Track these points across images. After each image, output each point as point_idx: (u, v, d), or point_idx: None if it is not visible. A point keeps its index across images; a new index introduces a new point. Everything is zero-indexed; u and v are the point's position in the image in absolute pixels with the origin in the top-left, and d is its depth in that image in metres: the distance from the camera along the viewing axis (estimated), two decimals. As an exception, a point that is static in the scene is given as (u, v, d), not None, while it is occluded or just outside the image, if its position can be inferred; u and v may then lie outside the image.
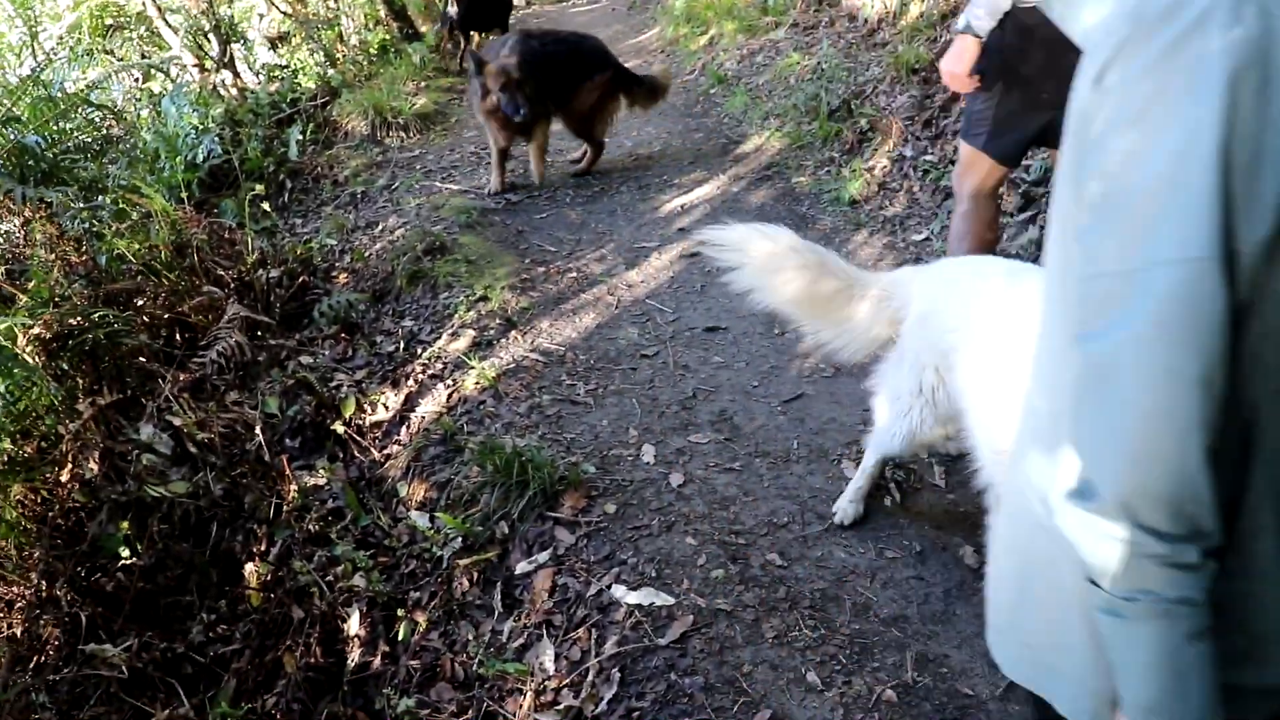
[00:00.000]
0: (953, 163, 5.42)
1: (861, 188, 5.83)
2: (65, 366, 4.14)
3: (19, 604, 3.56)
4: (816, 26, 8.63)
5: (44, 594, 3.53)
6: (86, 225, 5.10)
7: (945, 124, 5.90)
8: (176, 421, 3.89)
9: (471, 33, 10.70)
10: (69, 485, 3.79)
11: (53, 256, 4.64)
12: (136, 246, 4.95)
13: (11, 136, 5.14)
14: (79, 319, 4.16)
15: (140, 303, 4.76)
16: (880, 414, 3.03)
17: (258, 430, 4.01)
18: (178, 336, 4.77)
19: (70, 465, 3.83)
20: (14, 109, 5.56)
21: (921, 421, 2.81)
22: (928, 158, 5.71)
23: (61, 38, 10.72)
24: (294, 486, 3.82)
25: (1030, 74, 3.24)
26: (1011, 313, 2.30)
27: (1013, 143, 3.52)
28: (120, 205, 5.34)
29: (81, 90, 6.80)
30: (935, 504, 3.28)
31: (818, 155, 6.52)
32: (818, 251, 3.05)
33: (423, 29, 12.25)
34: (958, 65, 3.29)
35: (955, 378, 2.59)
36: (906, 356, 2.84)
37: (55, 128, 5.83)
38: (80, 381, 4.14)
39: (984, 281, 2.59)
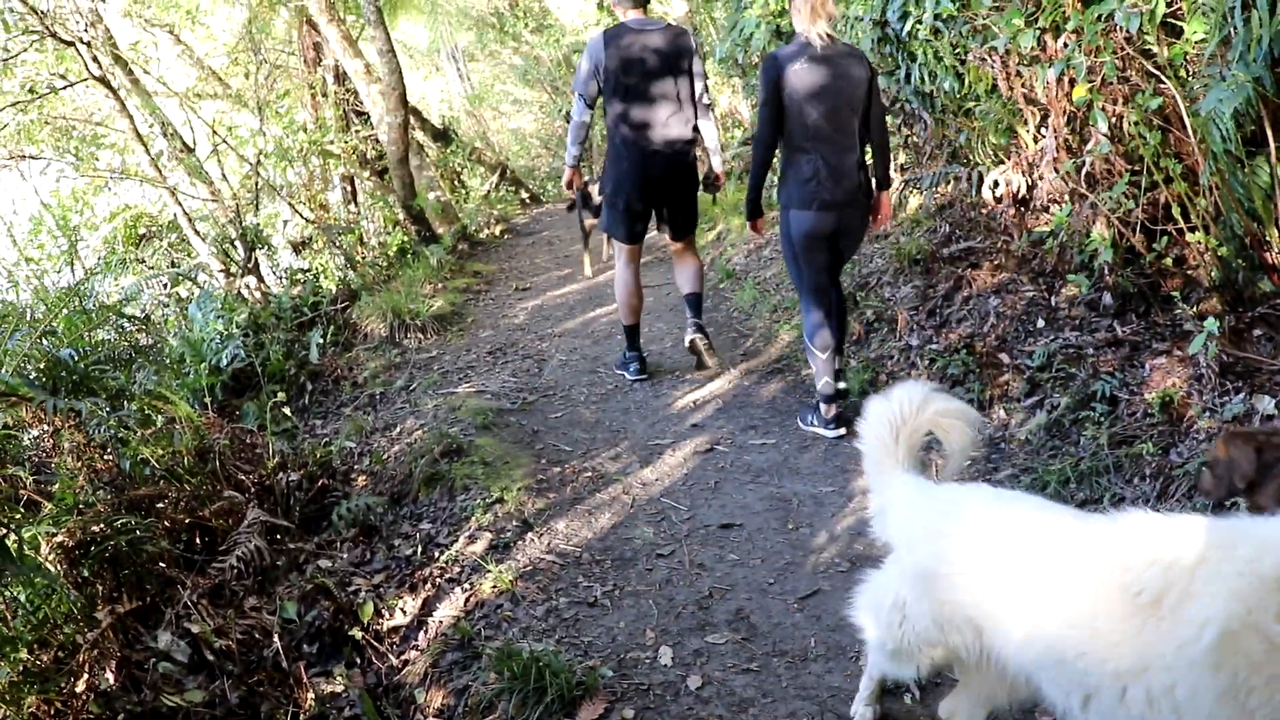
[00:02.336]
0: (957, 351, 5.56)
1: (870, 378, 5.95)
2: (86, 574, 4.17)
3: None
4: (821, 222, 8.93)
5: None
6: (112, 432, 5.22)
7: (949, 313, 6.07)
8: (194, 628, 3.90)
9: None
10: (84, 696, 3.78)
11: (79, 464, 4.74)
12: (160, 452, 5.05)
13: (47, 349, 5.31)
14: (101, 526, 4.22)
15: (162, 507, 4.82)
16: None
17: (275, 636, 4.01)
18: (198, 541, 4.81)
19: (87, 675, 3.83)
20: (52, 322, 5.76)
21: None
22: (933, 346, 5.84)
23: (98, 249, 11.13)
24: (311, 694, 3.80)
25: None
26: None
27: None
28: (145, 411, 5.48)
29: (116, 303, 7.05)
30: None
31: (826, 349, 6.67)
32: None
33: (440, 231, 12.69)
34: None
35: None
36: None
37: (88, 339, 6.02)
38: (100, 589, 4.16)
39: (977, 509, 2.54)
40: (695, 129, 6.24)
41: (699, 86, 6.17)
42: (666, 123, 6.11)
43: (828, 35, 5.08)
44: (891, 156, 6.09)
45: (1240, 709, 1.81)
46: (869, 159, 5.42)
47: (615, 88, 6.03)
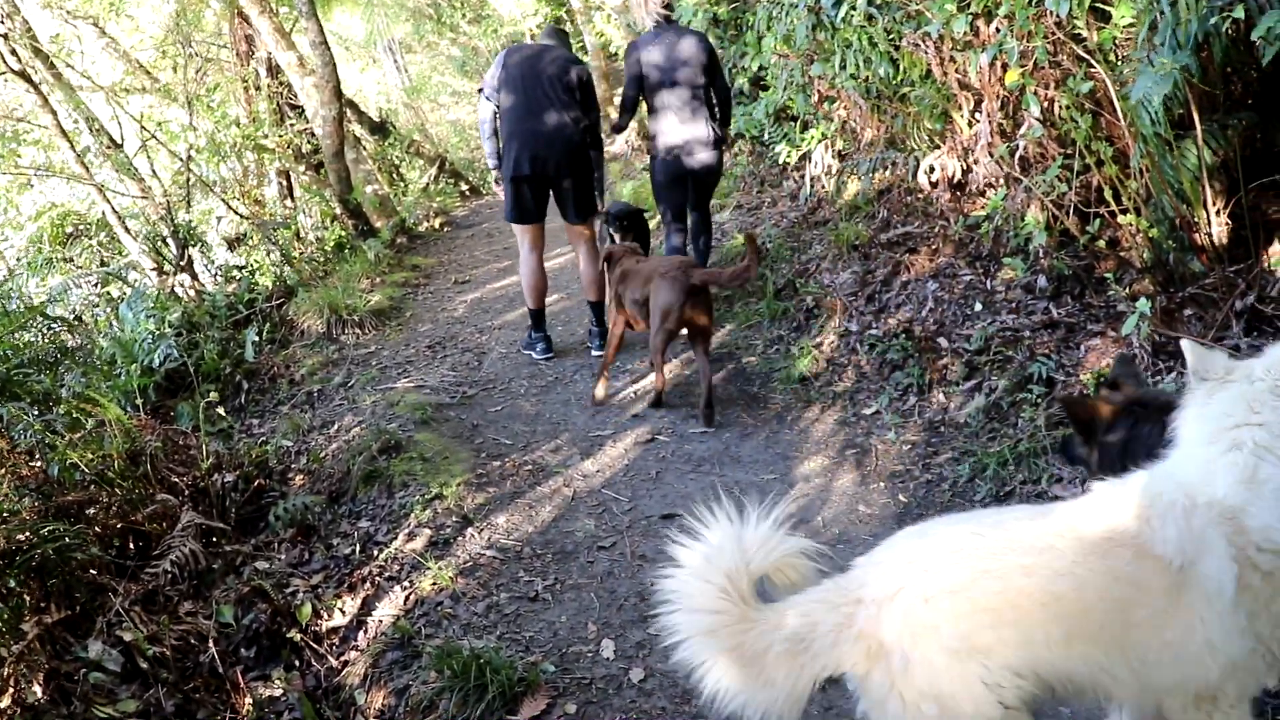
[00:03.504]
0: (896, 336, 5.59)
1: (810, 364, 5.97)
2: (11, 584, 4.06)
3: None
4: (760, 207, 8.96)
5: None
6: (39, 437, 5.09)
7: (888, 298, 6.09)
8: (127, 636, 3.81)
9: None
10: (10, 711, 3.68)
11: (2, 471, 4.61)
12: (89, 456, 4.93)
13: (-34, 353, 5.17)
14: (27, 534, 4.11)
15: (92, 513, 4.71)
16: None
17: (211, 641, 3.93)
18: (131, 546, 4.70)
19: (12, 689, 3.72)
20: (-30, 325, 5.61)
21: None
22: (872, 332, 5.86)
23: (23, 249, 10.88)
24: (249, 699, 3.73)
25: None
26: None
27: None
28: (74, 414, 5.35)
29: (40, 303, 6.87)
30: (898, 689, 3.26)
31: (766, 334, 6.68)
32: None
33: (378, 225, 12.54)
34: None
35: None
36: None
37: (11, 341, 5.86)
38: (27, 599, 4.05)
39: None
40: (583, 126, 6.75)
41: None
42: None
43: (665, 19, 6.91)
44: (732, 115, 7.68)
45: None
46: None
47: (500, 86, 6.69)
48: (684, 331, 5.84)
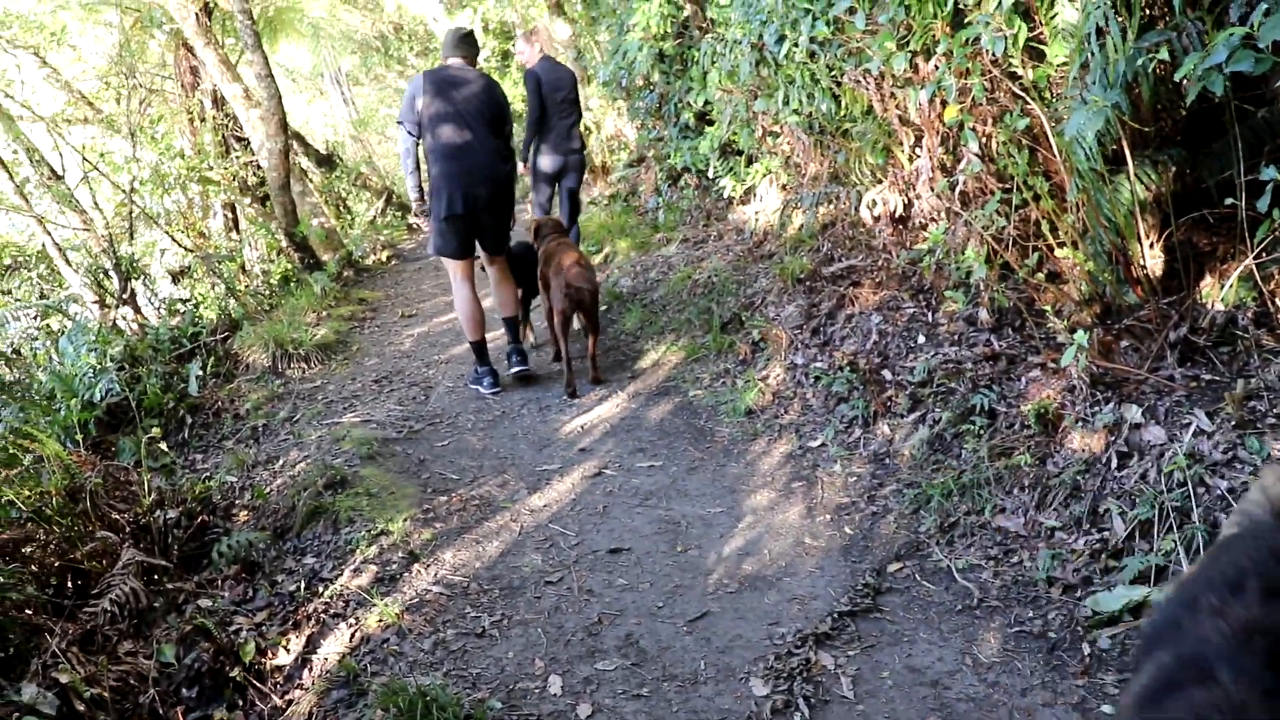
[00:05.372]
0: (841, 369, 5.65)
1: (756, 397, 6.01)
2: (-55, 625, 3.97)
3: None
4: (706, 240, 9.03)
5: None
6: (-27, 474, 4.99)
7: (833, 331, 6.15)
8: (63, 678, 3.73)
9: None
10: (-57, 757, 3.59)
11: (-64, 509, 4.52)
12: (26, 493, 4.84)
13: (-103, 389, 5.07)
14: (-39, 574, 4.03)
15: (29, 551, 4.62)
16: None
17: (151, 682, 3.86)
18: (69, 585, 4.61)
19: (-55, 734, 3.64)
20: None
21: None
22: (818, 365, 5.92)
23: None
24: (189, 741, 3.67)
25: None
26: None
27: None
28: (11, 450, 5.25)
29: (-26, 338, 6.76)
30: (844, 717, 3.28)
31: (713, 367, 6.72)
32: None
33: (324, 258, 12.48)
34: None
35: None
36: None
37: (-55, 376, 5.75)
38: (-41, 642, 3.97)
39: None
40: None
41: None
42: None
43: (550, 57, 9.28)
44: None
45: None
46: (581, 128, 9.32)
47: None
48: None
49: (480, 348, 7.14)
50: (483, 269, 7.37)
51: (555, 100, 8.97)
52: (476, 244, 7.06)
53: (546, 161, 9.14)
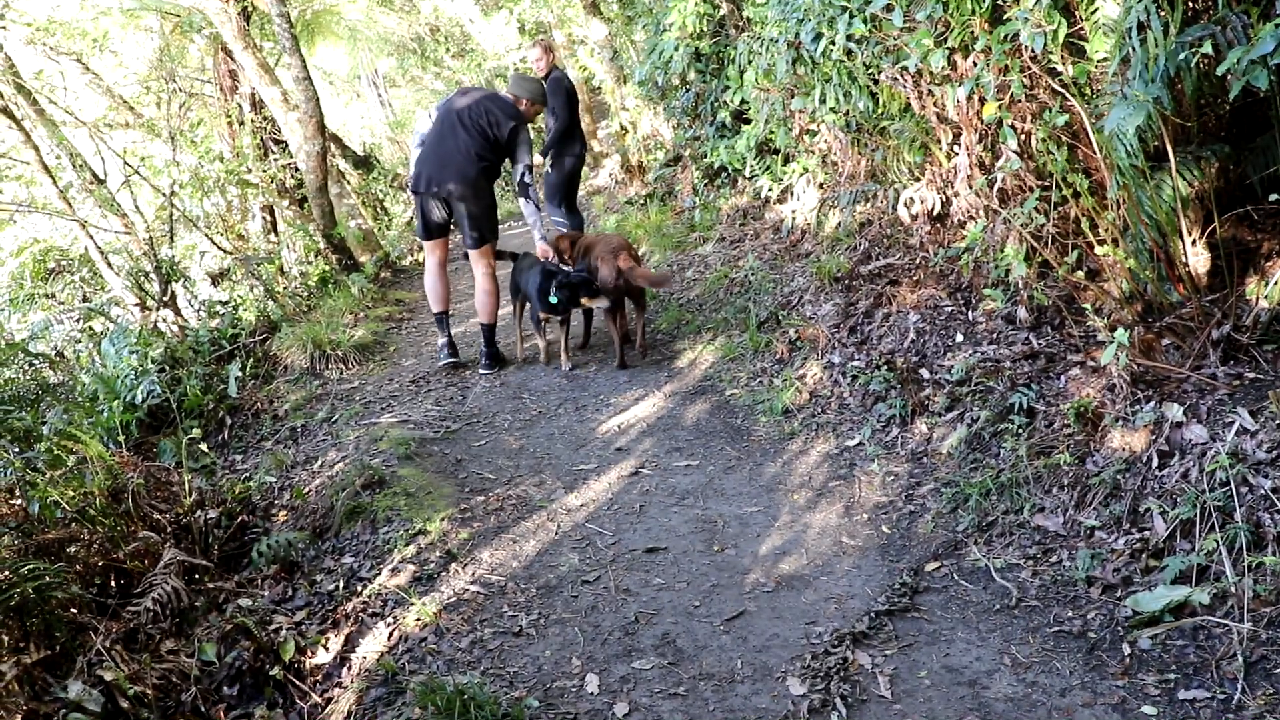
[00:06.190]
0: (879, 368, 5.62)
1: (793, 396, 5.98)
2: (-10, 625, 4.03)
3: None
4: (742, 240, 8.99)
5: None
6: (19, 474, 5.06)
7: (870, 330, 6.12)
8: (108, 676, 3.78)
9: None
10: (-10, 753, 3.64)
11: (-18, 509, 4.59)
12: (70, 494, 4.90)
13: (-54, 391, 5.15)
14: (6, 573, 4.08)
15: (73, 551, 4.68)
16: None
17: (193, 680, 3.90)
18: (112, 584, 4.67)
19: (-8, 730, 3.69)
20: (-49, 363, 5.59)
21: None
22: (855, 363, 5.88)
23: (5, 285, 10.84)
24: (230, 738, 3.70)
25: None
26: None
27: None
28: (55, 451, 5.32)
29: (21, 341, 6.85)
30: (881, 717, 3.26)
31: (750, 366, 6.70)
32: None
33: (361, 259, 12.55)
34: None
35: None
36: None
37: (-8, 379, 5.85)
38: (5, 639, 4.02)
39: None
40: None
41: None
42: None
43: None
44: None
45: None
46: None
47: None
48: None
49: (440, 318, 7.93)
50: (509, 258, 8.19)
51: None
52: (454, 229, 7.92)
53: (571, 164, 9.79)
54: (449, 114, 7.43)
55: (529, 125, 7.69)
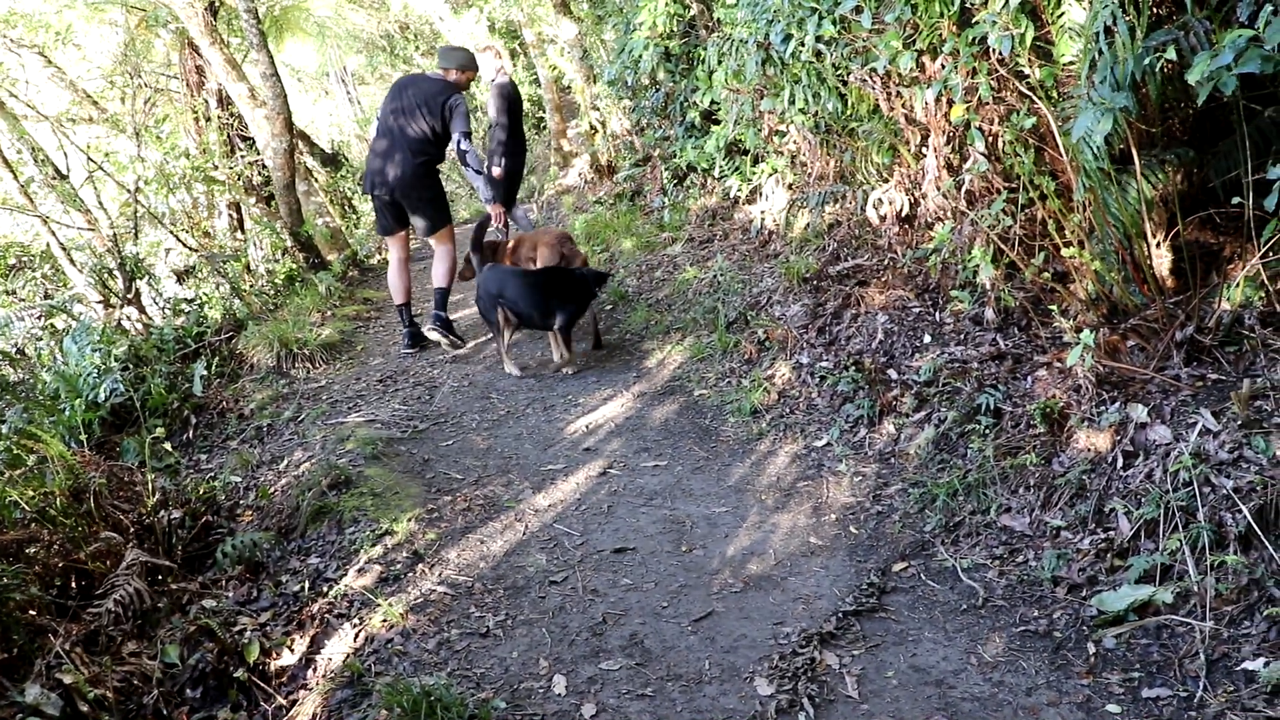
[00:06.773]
0: (847, 369, 5.64)
1: (762, 397, 5.99)
2: (-54, 628, 3.97)
3: None
4: (711, 240, 9.00)
5: None
6: (-22, 474, 4.99)
7: (838, 330, 6.14)
8: (67, 679, 3.72)
9: None
10: (-54, 757, 3.59)
11: (-60, 509, 4.52)
12: (30, 493, 4.83)
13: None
14: (-35, 574, 4.02)
15: (33, 551, 4.61)
16: None
17: (155, 682, 3.86)
18: (73, 585, 4.61)
19: (-52, 735, 3.63)
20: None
21: None
22: (823, 364, 5.90)
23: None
24: (193, 741, 3.67)
25: None
26: None
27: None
28: (15, 451, 5.25)
29: (-21, 338, 6.76)
30: (849, 717, 3.27)
31: (718, 367, 6.70)
32: None
33: (329, 257, 12.47)
34: None
35: None
36: None
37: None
38: (-38, 643, 3.96)
39: None
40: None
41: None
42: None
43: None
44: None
45: None
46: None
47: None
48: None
49: (404, 309, 8.41)
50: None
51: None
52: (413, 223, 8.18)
53: (516, 166, 9.63)
54: (385, 114, 7.86)
55: (463, 93, 7.95)
